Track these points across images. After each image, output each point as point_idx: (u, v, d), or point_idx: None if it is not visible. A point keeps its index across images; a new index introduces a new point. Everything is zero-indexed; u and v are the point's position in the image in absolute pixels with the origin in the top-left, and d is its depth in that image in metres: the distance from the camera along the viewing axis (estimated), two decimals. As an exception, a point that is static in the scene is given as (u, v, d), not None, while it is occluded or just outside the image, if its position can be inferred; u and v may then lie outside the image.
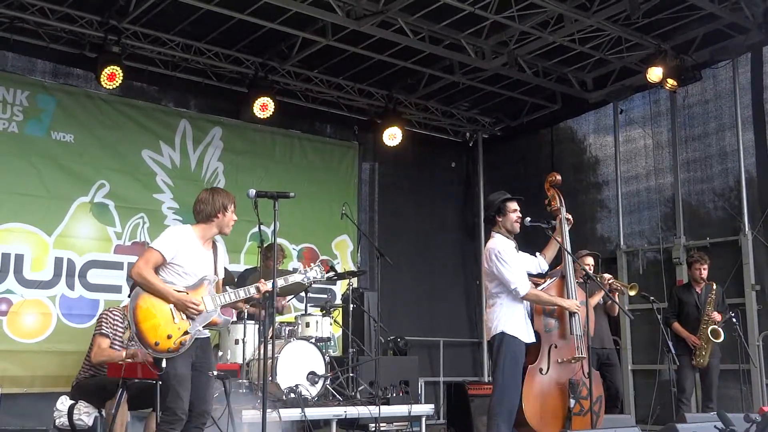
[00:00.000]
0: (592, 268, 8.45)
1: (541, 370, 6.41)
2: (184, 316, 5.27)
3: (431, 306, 12.12)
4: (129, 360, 6.37)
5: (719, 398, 8.45)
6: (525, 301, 6.43)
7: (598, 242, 11.23)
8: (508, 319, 6.32)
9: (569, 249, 6.72)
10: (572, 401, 6.32)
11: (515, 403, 6.20)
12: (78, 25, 9.05)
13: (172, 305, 5.24)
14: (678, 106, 10.59)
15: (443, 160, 13.05)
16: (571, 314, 6.57)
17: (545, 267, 6.76)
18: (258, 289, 5.64)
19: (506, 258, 6.35)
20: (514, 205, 6.56)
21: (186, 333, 5.25)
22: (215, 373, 5.78)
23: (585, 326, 6.63)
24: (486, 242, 6.69)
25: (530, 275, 6.61)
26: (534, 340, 6.45)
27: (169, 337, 5.17)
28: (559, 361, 6.47)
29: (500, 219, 6.52)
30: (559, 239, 6.69)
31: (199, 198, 5.55)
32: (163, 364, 5.15)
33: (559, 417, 6.35)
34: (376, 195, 12.31)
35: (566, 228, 6.76)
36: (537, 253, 6.76)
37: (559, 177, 6.98)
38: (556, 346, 6.51)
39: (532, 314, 6.50)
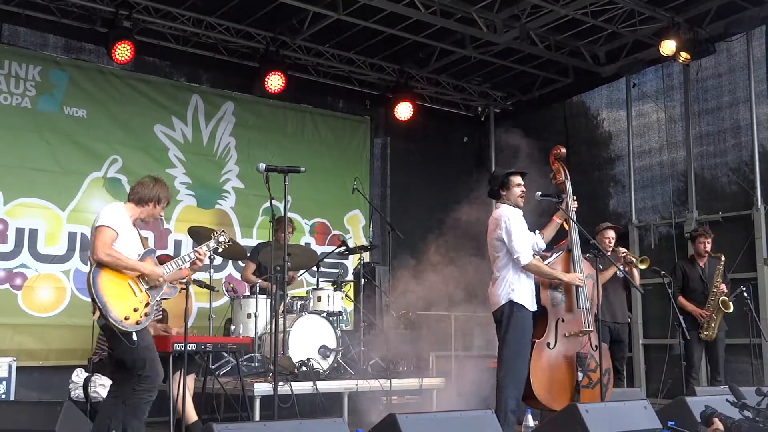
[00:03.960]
0: (613, 240, 8.41)
1: (548, 344, 6.46)
2: (143, 289, 5.41)
3: (442, 280, 12.11)
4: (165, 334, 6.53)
5: (729, 372, 8.48)
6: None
7: (610, 217, 11.17)
8: (515, 288, 6.33)
9: (575, 231, 6.71)
10: (580, 374, 6.38)
11: (523, 376, 6.24)
12: (89, 0, 9.05)
13: (130, 280, 5.37)
14: (691, 79, 10.51)
15: (455, 134, 13.02)
16: (577, 287, 6.60)
17: (542, 246, 6.77)
18: (192, 257, 5.79)
19: (514, 225, 6.36)
20: (518, 179, 6.56)
21: (148, 304, 5.40)
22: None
23: (592, 299, 6.66)
24: (496, 204, 6.68)
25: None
26: (536, 309, 6.46)
27: (135, 310, 5.31)
28: (567, 334, 6.52)
29: (504, 193, 6.54)
30: (567, 213, 6.70)
31: (141, 181, 5.73)
32: (134, 338, 5.25)
33: (567, 390, 6.41)
34: (388, 170, 12.31)
35: (572, 209, 6.75)
36: (537, 231, 6.76)
37: (563, 150, 6.98)
38: (563, 320, 6.56)
39: (539, 288, 6.52)
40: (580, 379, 6.37)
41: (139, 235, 5.73)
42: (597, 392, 6.42)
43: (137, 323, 5.29)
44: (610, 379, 6.70)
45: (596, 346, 6.58)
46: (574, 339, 6.53)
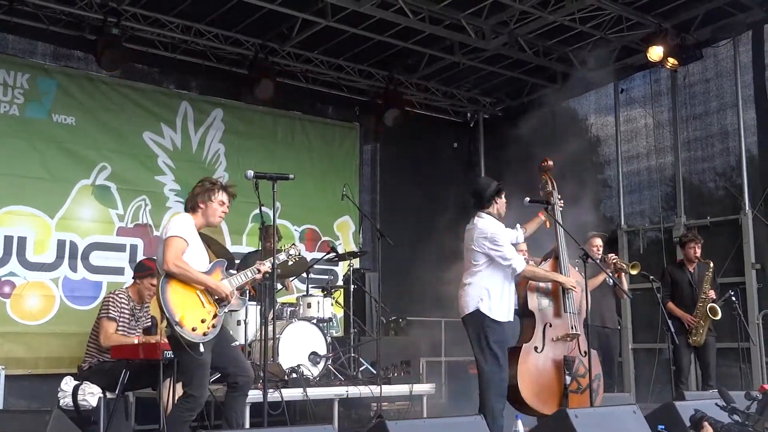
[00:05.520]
0: (601, 248, 8.48)
1: (536, 348, 6.48)
2: (212, 300, 5.36)
3: (432, 286, 12.13)
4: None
5: (718, 376, 8.49)
6: (508, 280, 6.47)
7: (599, 222, 11.21)
8: (485, 297, 6.34)
9: (563, 230, 6.75)
10: (568, 378, 6.38)
11: (505, 380, 6.26)
12: (77, 7, 9.04)
13: (198, 291, 5.33)
14: (679, 85, 10.57)
15: (444, 140, 13.05)
16: (565, 292, 6.64)
17: (521, 239, 6.86)
18: (259, 270, 5.77)
19: (502, 237, 6.40)
20: (503, 192, 6.64)
21: (215, 316, 5.36)
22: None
23: (580, 305, 6.70)
24: (477, 215, 6.61)
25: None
26: (511, 319, 6.50)
27: (203, 321, 5.27)
28: (554, 339, 6.54)
29: (497, 203, 6.56)
30: (554, 221, 6.74)
31: (195, 190, 5.67)
32: (201, 349, 5.21)
33: (556, 395, 6.40)
34: (378, 176, 12.32)
35: (558, 212, 6.80)
36: (518, 225, 6.85)
37: (551, 162, 7.06)
38: (550, 325, 6.57)
39: (526, 293, 6.56)
40: (567, 383, 6.37)
41: (205, 244, 5.68)
42: (586, 397, 6.43)
43: (204, 335, 5.24)
44: (600, 385, 6.70)
45: (585, 352, 6.58)
46: (562, 343, 6.55)
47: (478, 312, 6.31)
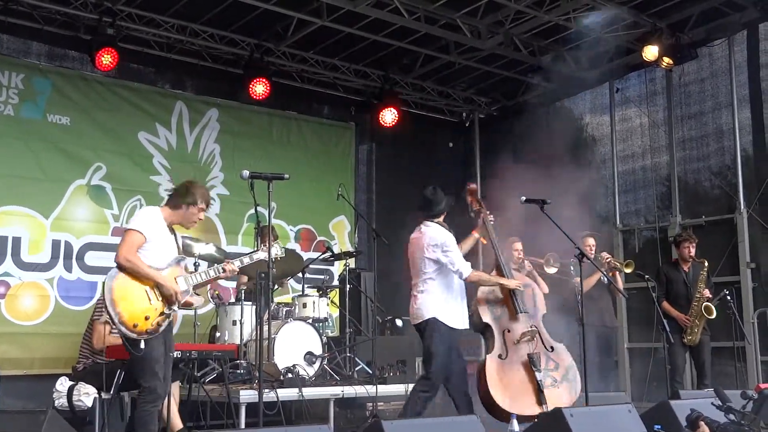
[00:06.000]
0: (593, 248, 8.53)
1: (500, 356, 6.58)
2: (160, 297, 5.34)
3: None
4: None
5: (713, 375, 8.51)
6: (461, 287, 6.66)
7: (594, 221, 11.22)
8: (440, 305, 6.52)
9: (497, 244, 6.93)
10: (538, 374, 6.49)
11: (445, 373, 6.47)
12: (72, 7, 9.03)
13: (148, 287, 5.31)
14: (674, 84, 10.58)
15: (440, 140, 13.05)
16: (514, 295, 6.78)
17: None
18: (224, 269, 5.78)
19: (451, 245, 6.59)
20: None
21: (162, 314, 5.35)
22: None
23: (535, 304, 6.95)
24: (424, 223, 6.83)
25: None
26: (467, 327, 6.72)
27: (146, 318, 5.26)
28: (516, 342, 6.64)
29: (443, 215, 6.77)
30: (489, 236, 6.90)
31: (178, 185, 5.77)
32: (142, 345, 5.20)
33: (532, 394, 6.49)
34: (374, 175, 12.31)
35: (491, 225, 6.92)
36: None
37: (473, 185, 7.25)
38: (508, 330, 6.70)
39: (478, 309, 6.73)
40: (540, 379, 6.48)
41: (176, 240, 5.70)
42: (564, 390, 6.56)
43: (146, 332, 5.23)
44: (576, 375, 6.75)
45: (552, 347, 6.75)
46: (525, 344, 6.66)
47: (434, 320, 6.48)
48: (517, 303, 6.77)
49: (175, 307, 5.45)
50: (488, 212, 6.98)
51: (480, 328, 6.83)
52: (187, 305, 5.64)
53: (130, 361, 5.34)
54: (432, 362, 6.45)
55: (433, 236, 6.60)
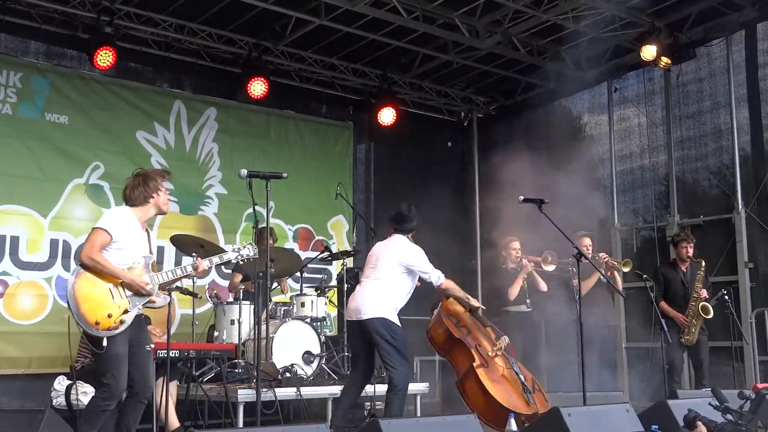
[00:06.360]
0: (590, 248, 8.55)
1: (482, 365, 6.73)
2: (124, 295, 5.36)
3: (426, 285, 12.14)
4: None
5: (711, 375, 8.51)
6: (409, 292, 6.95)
7: (592, 221, 11.22)
8: (388, 305, 6.75)
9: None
10: (521, 376, 6.71)
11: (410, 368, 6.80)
12: (70, 6, 9.02)
13: (111, 285, 5.33)
14: (672, 84, 10.57)
15: (438, 139, 13.04)
16: (473, 312, 7.09)
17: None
18: (195, 268, 5.81)
19: (424, 256, 6.88)
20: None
21: (126, 312, 5.36)
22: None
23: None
24: (395, 235, 7.07)
25: None
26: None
27: (109, 316, 5.27)
28: (490, 354, 6.83)
29: (413, 232, 7.06)
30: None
31: (129, 184, 5.69)
32: (104, 343, 5.21)
33: (519, 395, 6.64)
34: (372, 175, 12.31)
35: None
36: None
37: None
38: (479, 345, 6.88)
39: (447, 327, 6.89)
40: (523, 380, 6.67)
41: (149, 240, 5.71)
42: (539, 395, 6.73)
43: (108, 329, 5.24)
44: (541, 387, 6.96)
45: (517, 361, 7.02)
46: (497, 355, 6.87)
47: (383, 319, 6.67)
48: (480, 317, 7.10)
49: (139, 305, 5.46)
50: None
51: (448, 347, 6.96)
52: (150, 303, 5.63)
53: (94, 357, 5.34)
54: (395, 358, 6.71)
55: (407, 245, 6.92)
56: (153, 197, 5.65)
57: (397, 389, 6.60)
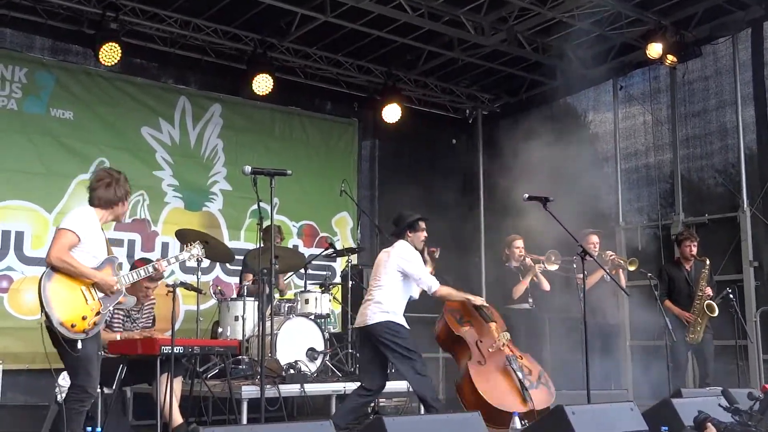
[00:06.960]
0: (597, 246, 8.55)
1: (480, 362, 6.86)
2: (96, 297, 5.34)
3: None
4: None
5: (716, 374, 8.50)
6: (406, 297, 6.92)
7: (597, 219, 11.21)
8: (390, 309, 6.71)
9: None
10: (520, 374, 6.79)
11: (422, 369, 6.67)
12: (76, 1, 9.03)
13: (83, 287, 5.30)
14: (678, 82, 10.55)
15: (443, 136, 13.03)
16: (477, 308, 7.16)
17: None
18: (155, 269, 5.83)
19: (421, 262, 6.87)
20: (423, 224, 7.02)
21: (98, 313, 5.34)
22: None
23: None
24: (397, 241, 7.00)
25: None
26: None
27: (84, 318, 5.23)
28: (490, 350, 6.95)
29: (411, 235, 6.93)
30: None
31: (101, 181, 5.65)
32: (79, 345, 5.18)
33: (517, 394, 6.74)
34: (376, 172, 12.31)
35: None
36: None
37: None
38: (480, 341, 7.00)
39: (446, 323, 7.11)
40: (521, 377, 6.76)
41: (106, 241, 5.68)
42: (543, 390, 6.83)
43: (84, 331, 5.22)
44: (548, 380, 7.06)
45: (521, 356, 7.09)
46: (498, 350, 6.99)
47: (392, 323, 6.66)
48: (484, 314, 7.17)
49: (110, 306, 5.45)
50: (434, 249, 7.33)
51: (449, 343, 7.18)
52: (119, 303, 5.64)
53: (64, 361, 5.30)
54: (407, 364, 6.70)
55: (404, 251, 6.84)
56: (118, 204, 5.64)
57: (417, 393, 6.65)
